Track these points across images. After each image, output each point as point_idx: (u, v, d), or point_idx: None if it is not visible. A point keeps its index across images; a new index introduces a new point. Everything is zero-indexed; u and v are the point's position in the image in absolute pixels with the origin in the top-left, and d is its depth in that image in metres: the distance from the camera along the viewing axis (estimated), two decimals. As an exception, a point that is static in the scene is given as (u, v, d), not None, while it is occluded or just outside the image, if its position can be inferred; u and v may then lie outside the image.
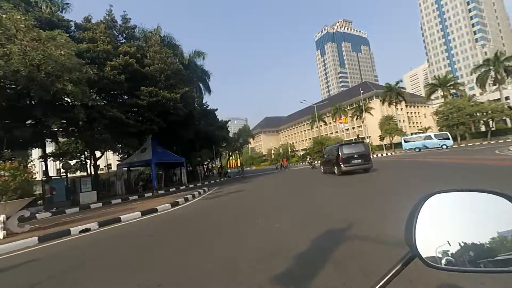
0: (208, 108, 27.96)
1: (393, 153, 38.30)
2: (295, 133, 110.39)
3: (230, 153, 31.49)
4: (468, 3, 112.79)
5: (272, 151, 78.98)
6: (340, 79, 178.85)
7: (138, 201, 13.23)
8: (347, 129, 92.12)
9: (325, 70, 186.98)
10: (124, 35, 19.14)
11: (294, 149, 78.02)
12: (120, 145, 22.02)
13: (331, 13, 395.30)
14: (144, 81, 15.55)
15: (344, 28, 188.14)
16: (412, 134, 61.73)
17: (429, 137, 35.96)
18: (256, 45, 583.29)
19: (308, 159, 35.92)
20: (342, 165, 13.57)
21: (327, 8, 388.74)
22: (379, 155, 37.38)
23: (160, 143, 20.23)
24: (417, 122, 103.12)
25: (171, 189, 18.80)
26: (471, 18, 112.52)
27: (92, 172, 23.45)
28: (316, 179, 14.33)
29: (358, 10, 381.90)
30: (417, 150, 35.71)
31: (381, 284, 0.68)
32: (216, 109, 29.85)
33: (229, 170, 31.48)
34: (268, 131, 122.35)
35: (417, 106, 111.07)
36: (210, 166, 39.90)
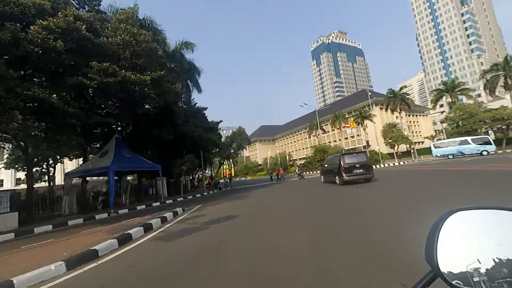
0: (195, 106, 23.64)
1: (405, 162, 34.29)
2: (291, 142, 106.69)
3: (222, 161, 26.88)
4: (462, 15, 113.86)
5: (268, 160, 74.46)
6: (336, 89, 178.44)
7: (50, 236, 8.17)
8: (346, 138, 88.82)
9: (321, 80, 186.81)
10: (87, 8, 14.74)
11: (291, 158, 73.63)
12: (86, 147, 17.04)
13: (326, 24, 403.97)
14: (99, 57, 11.07)
15: (340, 39, 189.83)
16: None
17: (465, 142, 30.61)
18: (251, 55, 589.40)
19: (296, 169, 31.63)
20: (344, 175, 13.48)
21: (321, 19, 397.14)
22: (390, 164, 33.19)
23: (130, 145, 15.52)
24: (416, 132, 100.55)
25: (139, 207, 14.05)
26: (466, 29, 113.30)
27: (53, 183, 18.49)
28: (329, 193, 10.59)
29: (353, 22, 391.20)
30: (450, 157, 31.32)
31: None
32: (206, 108, 25.60)
33: (221, 181, 26.90)
34: (264, 140, 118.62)
35: (416, 115, 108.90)
36: (200, 175, 35.12)
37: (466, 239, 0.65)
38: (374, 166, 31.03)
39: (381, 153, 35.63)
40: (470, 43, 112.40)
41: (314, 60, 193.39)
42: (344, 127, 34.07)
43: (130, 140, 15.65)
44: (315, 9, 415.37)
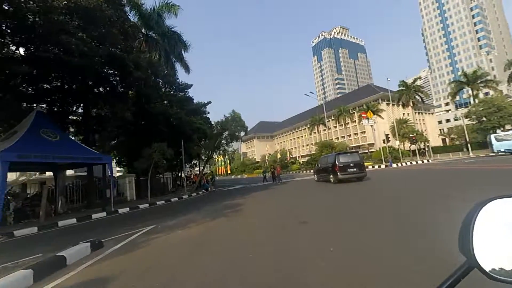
0: (178, 82, 18.21)
1: (424, 160, 29.30)
2: (291, 139, 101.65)
3: (211, 154, 22.13)
4: (471, 9, 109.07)
5: (267, 157, 69.29)
6: (337, 86, 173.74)
7: None
8: (349, 135, 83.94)
9: (322, 76, 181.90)
10: None
11: (291, 156, 68.50)
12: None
13: (328, 20, 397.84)
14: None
15: (342, 34, 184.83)
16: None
17: None
18: (248, 49, 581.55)
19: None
20: (338, 174, 14.25)
21: (323, 15, 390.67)
22: (412, 162, 28.09)
23: (66, 125, 10.20)
24: (422, 130, 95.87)
25: (62, 222, 8.76)
26: (475, 24, 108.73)
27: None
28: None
29: (355, 18, 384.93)
30: None
31: None
32: (190, 86, 20.01)
33: (217, 178, 21.58)
34: (262, 137, 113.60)
35: (421, 113, 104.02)
36: (189, 173, 29.85)
37: (503, 229, 0.61)
38: (395, 165, 25.86)
39: (401, 150, 30.55)
40: (478, 39, 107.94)
41: (315, 56, 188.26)
42: (363, 117, 28.94)
43: (63, 117, 10.44)
44: (317, 3, 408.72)
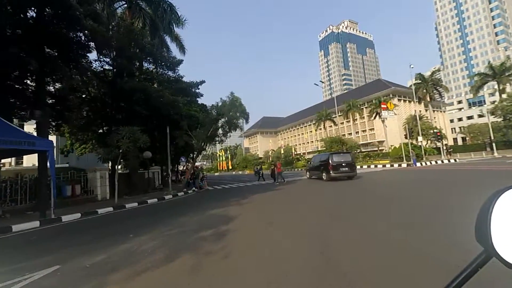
0: (165, 56, 14.75)
1: (451, 160, 25.71)
2: (296, 135, 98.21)
3: (204, 145, 17.86)
4: (490, 2, 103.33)
5: (270, 153, 65.97)
6: (344, 81, 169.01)
7: None
8: (357, 132, 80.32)
9: (328, 72, 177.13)
10: None
11: (296, 152, 65.09)
12: None
13: (336, 14, 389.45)
14: None
15: (350, 29, 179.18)
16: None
17: None
18: (252, 42, 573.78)
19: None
20: (331, 172, 15.23)
21: (331, 10, 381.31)
22: (437, 161, 24.45)
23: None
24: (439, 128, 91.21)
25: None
26: (493, 18, 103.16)
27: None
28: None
29: (364, 12, 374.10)
30: None
31: (454, 284, 0.62)
32: (181, 62, 16.56)
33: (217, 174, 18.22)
34: (266, 132, 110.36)
35: (433, 111, 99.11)
36: (184, 167, 26.96)
37: None
38: (419, 164, 22.34)
39: (425, 147, 26.94)
40: (496, 34, 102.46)
41: (322, 50, 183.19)
42: (383, 108, 25.46)
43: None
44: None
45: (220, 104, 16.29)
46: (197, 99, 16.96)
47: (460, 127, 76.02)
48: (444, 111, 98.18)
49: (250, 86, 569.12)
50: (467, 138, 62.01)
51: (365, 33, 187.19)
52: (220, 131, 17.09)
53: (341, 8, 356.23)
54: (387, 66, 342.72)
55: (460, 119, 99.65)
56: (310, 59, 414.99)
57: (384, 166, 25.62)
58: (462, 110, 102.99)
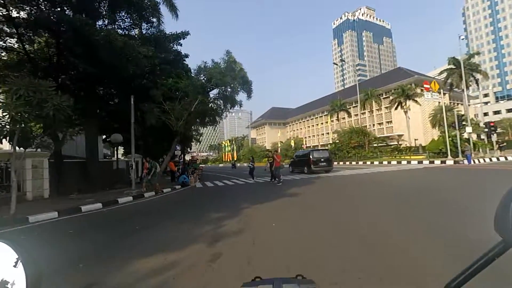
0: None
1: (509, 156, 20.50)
2: (306, 127, 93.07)
3: (188, 126, 13.05)
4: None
5: (279, 144, 61.41)
6: (358, 72, 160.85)
7: None
8: (373, 125, 74.69)
9: (342, 65, 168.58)
10: None
11: (306, 145, 60.26)
12: None
13: (351, 1, 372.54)
14: None
15: (367, 16, 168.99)
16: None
17: None
18: (261, 30, 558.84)
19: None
20: (312, 166, 17.25)
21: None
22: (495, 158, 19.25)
23: None
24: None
25: None
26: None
27: None
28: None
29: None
30: None
31: (470, 271, 0.61)
32: (187, 33, 11.99)
33: (221, 165, 13.48)
34: (274, 123, 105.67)
35: (457, 104, 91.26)
36: (179, 158, 22.76)
37: None
38: (473, 161, 17.47)
39: (476, 140, 21.67)
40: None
41: (336, 39, 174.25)
42: (426, 88, 20.48)
43: None
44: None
45: (210, 65, 11.37)
46: (181, 60, 12.30)
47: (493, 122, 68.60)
48: (469, 105, 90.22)
49: (259, 76, 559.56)
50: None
51: (383, 21, 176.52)
52: (211, 104, 12.52)
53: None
54: (405, 56, 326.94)
55: (486, 114, 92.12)
56: (322, 49, 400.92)
57: (420, 162, 20.73)
58: (489, 104, 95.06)
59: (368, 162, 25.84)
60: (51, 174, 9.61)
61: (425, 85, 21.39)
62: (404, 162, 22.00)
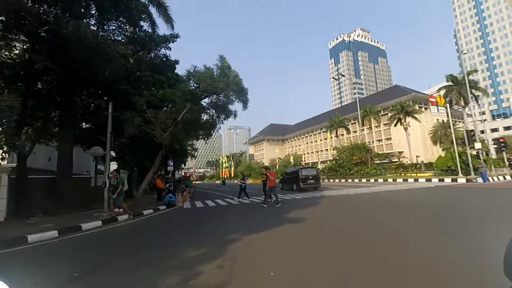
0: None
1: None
2: (305, 143, 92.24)
3: (168, 135, 9.81)
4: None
5: (277, 161, 59.96)
6: (355, 90, 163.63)
7: None
8: (372, 142, 74.08)
9: (339, 80, 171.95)
10: None
11: (304, 161, 58.88)
12: None
13: (347, 22, 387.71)
14: None
15: (362, 37, 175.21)
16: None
17: None
18: (260, 49, 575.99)
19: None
20: (300, 183, 17.79)
21: (342, 17, 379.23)
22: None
23: None
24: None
25: None
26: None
27: None
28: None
29: (376, 21, 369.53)
30: None
31: None
32: (176, 36, 10.88)
33: (221, 182, 11.82)
34: (272, 140, 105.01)
35: (454, 121, 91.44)
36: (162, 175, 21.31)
37: None
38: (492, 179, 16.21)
39: (487, 158, 20.47)
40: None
41: (332, 58, 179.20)
42: (432, 102, 19.59)
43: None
44: (335, 4, 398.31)
45: (201, 69, 10.11)
46: (170, 65, 10.95)
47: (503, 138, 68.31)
48: (464, 122, 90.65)
49: (257, 93, 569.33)
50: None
51: (377, 42, 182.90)
52: (204, 117, 11.29)
53: (352, 17, 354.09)
54: (400, 76, 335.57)
55: (482, 132, 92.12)
56: (319, 67, 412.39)
57: (428, 180, 19.36)
58: (486, 122, 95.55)
59: (372, 180, 24.42)
60: (15, 192, 8.14)
61: (430, 99, 20.61)
62: (410, 180, 20.63)
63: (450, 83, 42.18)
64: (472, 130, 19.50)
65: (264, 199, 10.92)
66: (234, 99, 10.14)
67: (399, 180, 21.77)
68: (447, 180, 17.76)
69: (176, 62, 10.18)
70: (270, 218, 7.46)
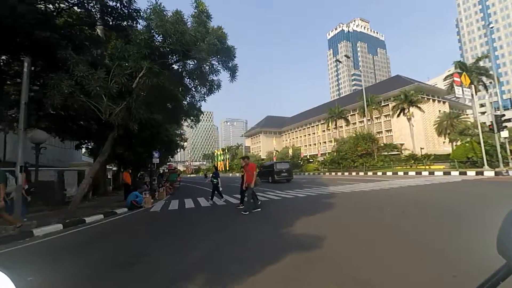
0: None
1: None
2: (302, 136, 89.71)
3: (117, 112, 6.31)
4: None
5: (274, 153, 57.47)
6: (353, 82, 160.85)
7: None
8: (378, 133, 71.88)
9: (337, 71, 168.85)
10: None
11: (302, 154, 56.39)
12: None
13: (345, 13, 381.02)
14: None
15: (361, 27, 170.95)
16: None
17: None
18: (257, 41, 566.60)
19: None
20: (275, 176, 19.59)
21: (340, 8, 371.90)
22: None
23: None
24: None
25: None
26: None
27: None
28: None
29: (376, 11, 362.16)
30: None
31: None
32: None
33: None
34: (269, 132, 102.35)
35: (458, 113, 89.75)
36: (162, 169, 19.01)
37: None
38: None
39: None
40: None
41: (331, 49, 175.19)
42: (457, 82, 16.91)
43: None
44: None
45: (167, 15, 6.31)
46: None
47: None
48: (467, 114, 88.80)
49: (254, 84, 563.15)
50: None
51: (377, 33, 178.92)
52: (177, 88, 8.08)
53: (352, 5, 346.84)
54: (398, 68, 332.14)
55: (509, 120, 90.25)
56: (317, 58, 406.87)
57: (446, 173, 16.98)
58: (486, 114, 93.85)
59: (379, 173, 22.03)
60: None
61: (455, 78, 17.99)
62: (425, 173, 18.27)
63: (459, 70, 39.50)
64: (503, 115, 16.98)
65: (240, 201, 8.32)
66: (216, 61, 7.29)
67: (411, 173, 19.41)
68: (470, 173, 15.40)
69: (137, 11, 7.13)
70: (260, 236, 4.95)
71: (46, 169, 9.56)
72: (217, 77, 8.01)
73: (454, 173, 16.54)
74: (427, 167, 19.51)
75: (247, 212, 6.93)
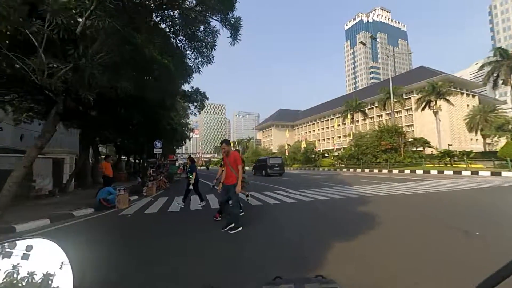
0: None
1: None
2: (316, 129, 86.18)
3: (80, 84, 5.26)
4: None
5: (286, 147, 54.98)
6: (371, 75, 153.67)
7: None
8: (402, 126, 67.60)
9: (354, 64, 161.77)
10: None
11: (317, 148, 53.47)
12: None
13: (363, 5, 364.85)
14: None
15: (382, 17, 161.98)
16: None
17: None
18: (270, 33, 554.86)
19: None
20: (268, 170, 21.40)
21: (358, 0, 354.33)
22: None
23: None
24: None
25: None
26: None
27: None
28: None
29: (396, 1, 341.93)
30: None
31: (501, 273, 0.58)
32: None
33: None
34: (281, 125, 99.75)
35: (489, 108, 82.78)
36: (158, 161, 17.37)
37: None
38: None
39: None
40: None
41: (348, 40, 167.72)
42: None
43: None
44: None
45: None
46: None
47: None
48: (497, 110, 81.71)
49: (267, 77, 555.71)
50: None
51: (398, 23, 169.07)
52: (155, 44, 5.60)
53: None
54: (419, 61, 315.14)
55: None
56: (333, 51, 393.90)
57: (495, 174, 14.07)
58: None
59: (407, 171, 19.22)
60: None
61: None
62: (466, 173, 15.38)
63: (498, 58, 35.18)
64: (481, 121, 13.74)
65: (219, 211, 5.59)
66: (212, 18, 5.01)
67: (447, 172, 16.53)
68: (528, 175, 12.53)
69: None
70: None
71: (5, 155, 7.86)
72: (212, 39, 5.80)
73: (506, 173, 13.62)
74: (467, 165, 16.45)
75: (240, 228, 4.52)
